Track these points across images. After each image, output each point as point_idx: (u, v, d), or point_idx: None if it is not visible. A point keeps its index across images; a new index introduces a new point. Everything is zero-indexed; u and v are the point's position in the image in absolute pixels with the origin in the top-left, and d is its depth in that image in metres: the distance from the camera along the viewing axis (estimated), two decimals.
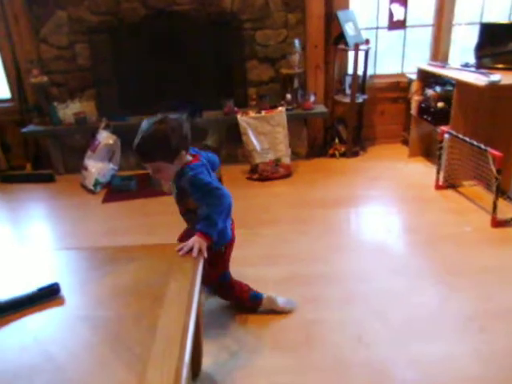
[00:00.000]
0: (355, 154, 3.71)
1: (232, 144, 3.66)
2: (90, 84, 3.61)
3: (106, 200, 3.17)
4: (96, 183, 3.29)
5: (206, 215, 1.49)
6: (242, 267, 2.27)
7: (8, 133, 3.75)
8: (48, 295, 1.21)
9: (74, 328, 1.12)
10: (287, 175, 3.38)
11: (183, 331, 1.03)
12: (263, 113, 3.36)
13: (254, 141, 3.32)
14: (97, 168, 3.32)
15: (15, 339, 1.09)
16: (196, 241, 1.40)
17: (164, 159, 1.54)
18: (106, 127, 3.41)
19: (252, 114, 3.36)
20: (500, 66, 2.96)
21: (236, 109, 3.51)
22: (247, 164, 3.46)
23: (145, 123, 1.55)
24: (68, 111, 3.48)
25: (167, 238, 2.56)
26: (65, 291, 1.24)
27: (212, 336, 1.78)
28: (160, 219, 2.82)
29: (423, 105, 3.38)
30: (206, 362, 1.65)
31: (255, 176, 3.37)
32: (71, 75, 3.58)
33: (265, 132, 3.34)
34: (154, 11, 3.42)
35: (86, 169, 3.35)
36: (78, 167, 3.46)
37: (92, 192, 3.29)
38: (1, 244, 2.73)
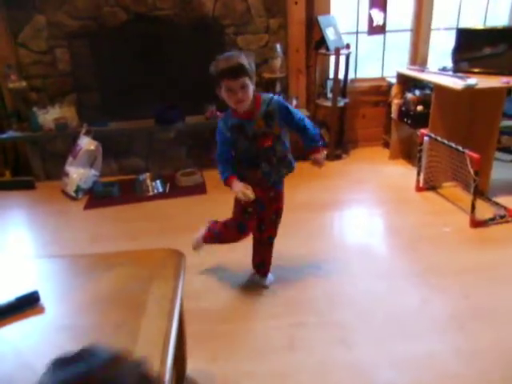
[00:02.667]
0: (338, 157, 3.75)
1: (215, 149, 3.64)
2: (70, 89, 3.57)
3: (87, 206, 3.14)
4: (77, 189, 3.25)
5: (310, 127, 1.92)
6: (227, 271, 2.27)
7: None
8: (27, 304, 1.20)
9: (54, 337, 1.11)
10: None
11: (165, 337, 1.03)
12: None
13: None
14: (78, 174, 3.28)
15: None
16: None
17: (251, 79, 1.76)
18: (88, 133, 3.37)
19: None
20: (476, 70, 3.03)
21: (218, 113, 3.51)
22: None
23: None
24: (48, 117, 3.43)
25: (150, 243, 2.56)
26: (45, 300, 1.23)
27: (196, 341, 1.77)
28: (143, 225, 2.81)
29: (403, 108, 3.44)
30: (191, 367, 1.65)
31: None
32: (51, 80, 3.53)
33: None
34: (135, 16, 3.41)
35: (67, 175, 3.31)
36: (58, 174, 3.41)
37: (73, 198, 3.25)
38: None
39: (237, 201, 1.98)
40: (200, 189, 3.32)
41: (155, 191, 3.28)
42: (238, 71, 1.72)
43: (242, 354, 1.75)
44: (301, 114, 1.94)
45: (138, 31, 3.45)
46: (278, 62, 3.49)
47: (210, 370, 1.67)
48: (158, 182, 3.32)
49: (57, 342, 1.09)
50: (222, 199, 3.15)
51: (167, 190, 3.33)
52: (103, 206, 3.12)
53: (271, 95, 1.88)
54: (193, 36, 3.52)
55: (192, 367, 1.64)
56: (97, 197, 3.24)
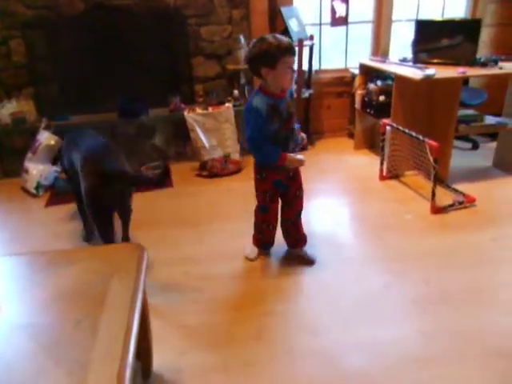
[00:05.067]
0: (303, 148, 3.76)
1: (180, 141, 3.62)
2: (27, 82, 3.44)
3: (49, 203, 3.04)
4: (38, 186, 3.15)
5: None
6: (194, 265, 2.26)
7: None
8: None
9: (12, 337, 1.08)
10: (237, 171, 3.39)
11: (126, 332, 1.01)
12: (210, 109, 3.35)
13: (202, 137, 3.30)
14: (38, 170, 3.17)
15: None
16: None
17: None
18: (47, 127, 3.26)
19: (199, 110, 3.34)
20: (435, 60, 3.11)
21: (183, 106, 3.47)
22: (196, 161, 3.43)
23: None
24: (4, 111, 3.30)
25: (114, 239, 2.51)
26: (2, 298, 1.19)
27: (163, 335, 1.75)
28: None
29: (366, 99, 3.49)
30: (158, 362, 1.63)
31: (205, 173, 3.35)
32: (6, 73, 3.39)
33: (213, 128, 3.33)
34: (94, 5, 3.30)
35: (26, 171, 3.19)
36: (17, 170, 3.29)
37: (34, 196, 3.15)
38: None
39: (258, 185, 2.11)
40: (165, 182, 3.27)
41: None
42: (294, 49, 1.83)
43: (209, 346, 1.74)
44: None
45: (97, 21, 3.35)
46: (241, 54, 3.47)
47: (177, 363, 1.66)
48: None
49: (14, 342, 1.06)
50: (188, 192, 3.16)
51: None
52: (65, 202, 3.02)
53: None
54: (155, 26, 3.46)
55: (159, 362, 1.63)
56: (58, 193, 3.14)
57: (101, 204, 1.97)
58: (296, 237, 2.27)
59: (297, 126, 2.04)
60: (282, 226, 2.26)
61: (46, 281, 1.27)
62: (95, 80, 3.45)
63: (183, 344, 1.75)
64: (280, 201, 2.18)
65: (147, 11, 3.38)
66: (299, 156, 1.97)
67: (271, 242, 2.31)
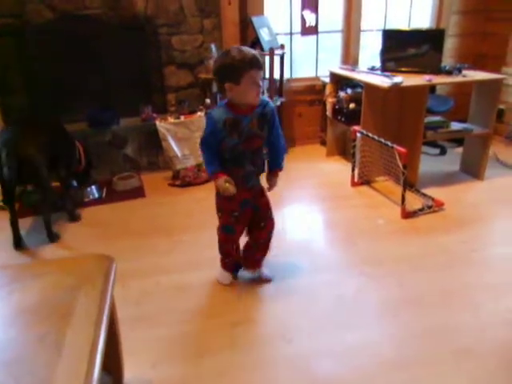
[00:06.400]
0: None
1: (152, 151, 3.58)
2: None
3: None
4: None
5: (282, 147, 1.96)
6: (166, 275, 2.23)
7: None
8: None
9: None
10: (210, 180, 3.37)
11: (92, 347, 0.98)
12: (182, 118, 3.33)
13: (174, 147, 3.28)
14: None
15: None
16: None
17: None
18: None
19: (171, 119, 3.32)
20: (403, 69, 3.19)
21: (155, 115, 3.45)
22: (169, 170, 3.41)
23: None
24: None
25: (84, 251, 2.46)
26: None
27: (134, 347, 1.72)
28: (77, 232, 2.70)
29: (337, 106, 3.55)
30: (129, 375, 1.59)
31: (177, 182, 3.32)
32: None
33: (185, 137, 3.31)
34: (62, 14, 3.26)
35: None
36: None
37: (2, 209, 3.04)
38: None
39: (222, 204, 1.97)
40: (138, 193, 3.24)
41: (90, 197, 3.15)
42: (261, 63, 1.74)
43: (181, 357, 1.72)
44: (280, 130, 1.93)
45: (66, 30, 3.30)
46: (213, 63, 3.47)
47: (149, 376, 1.63)
48: (93, 187, 3.19)
49: None
50: (161, 201, 3.13)
51: (103, 196, 3.21)
52: (34, 214, 2.95)
53: (267, 99, 1.91)
54: (125, 36, 3.43)
55: (130, 375, 1.59)
56: (26, 205, 3.05)
57: None
58: (258, 258, 2.14)
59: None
60: (245, 248, 2.14)
61: (9, 296, 1.22)
62: (65, 90, 3.39)
63: (155, 355, 1.72)
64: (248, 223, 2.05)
65: (117, 21, 3.36)
66: (231, 187, 1.81)
67: (240, 264, 2.18)
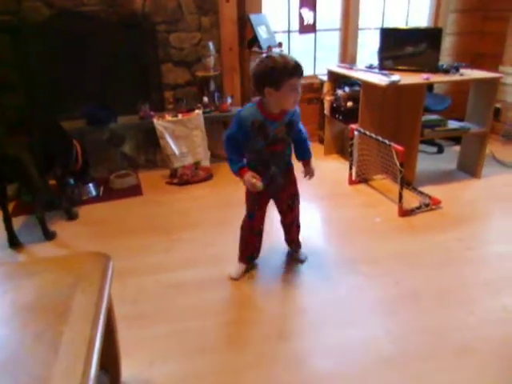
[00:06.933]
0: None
1: (150, 149, 3.58)
2: None
3: (14, 214, 2.93)
4: None
5: (306, 138, 2.04)
6: (164, 273, 2.23)
7: None
8: None
9: None
10: (208, 178, 3.38)
11: (89, 345, 0.98)
12: (180, 116, 3.33)
13: (171, 145, 3.27)
14: None
15: None
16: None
17: None
18: None
19: (169, 117, 3.32)
20: (400, 67, 3.19)
21: (152, 113, 3.44)
22: (166, 169, 3.41)
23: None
24: None
25: (81, 249, 2.46)
26: None
27: (132, 345, 1.72)
28: (74, 231, 2.69)
29: (334, 104, 3.55)
30: (126, 373, 1.59)
31: (175, 180, 3.32)
32: None
33: (182, 135, 3.31)
34: (59, 11, 3.24)
35: None
36: None
37: None
38: None
39: (246, 193, 2.07)
40: (135, 191, 3.23)
41: (88, 195, 3.15)
42: (302, 70, 1.75)
43: (179, 355, 1.72)
44: (301, 124, 2.00)
45: (64, 27, 3.29)
46: (211, 61, 3.48)
47: (146, 374, 1.63)
48: (90, 185, 3.18)
49: None
50: (158, 200, 3.12)
51: (101, 194, 3.21)
52: (31, 212, 2.94)
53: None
54: (123, 33, 3.42)
55: (128, 373, 1.59)
56: (24, 203, 3.04)
57: None
58: (287, 239, 2.31)
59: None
60: (282, 226, 2.30)
61: (5, 293, 1.22)
62: (63, 87, 3.38)
63: (153, 354, 1.72)
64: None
65: (115, 18, 3.34)
66: (258, 183, 1.85)
67: (256, 253, 2.26)
